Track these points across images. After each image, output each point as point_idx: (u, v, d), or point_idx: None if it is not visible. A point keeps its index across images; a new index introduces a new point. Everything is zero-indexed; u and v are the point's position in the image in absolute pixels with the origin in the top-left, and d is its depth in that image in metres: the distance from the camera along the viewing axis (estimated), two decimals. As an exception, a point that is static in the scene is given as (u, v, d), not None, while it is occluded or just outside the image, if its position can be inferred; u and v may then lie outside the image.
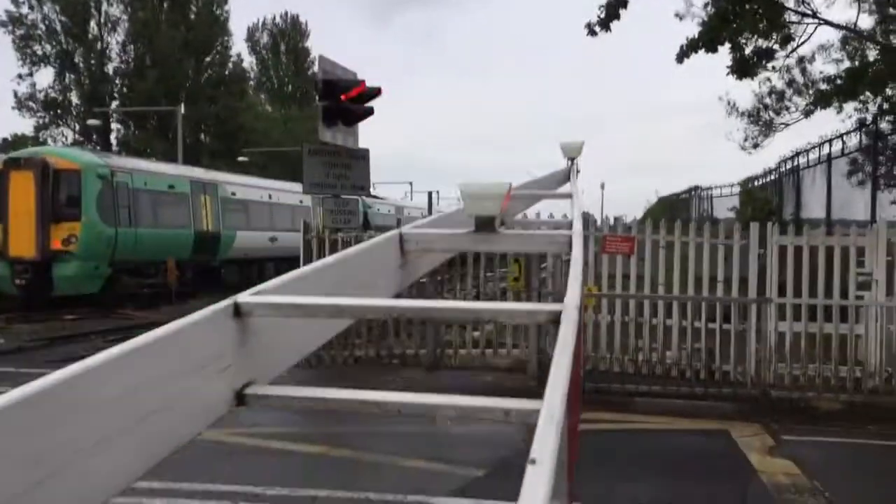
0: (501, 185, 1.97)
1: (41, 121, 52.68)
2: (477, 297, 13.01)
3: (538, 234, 2.15)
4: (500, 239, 2.04)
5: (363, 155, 12.76)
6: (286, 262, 29.27)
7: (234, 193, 27.76)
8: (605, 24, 15.85)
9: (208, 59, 56.40)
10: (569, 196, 3.35)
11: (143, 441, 1.12)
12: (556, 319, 1.32)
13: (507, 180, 1.96)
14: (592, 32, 15.98)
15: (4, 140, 53.34)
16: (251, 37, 67.89)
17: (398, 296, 2.04)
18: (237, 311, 1.37)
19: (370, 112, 12.45)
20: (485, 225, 1.99)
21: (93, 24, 52.43)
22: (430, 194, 25.46)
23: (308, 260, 12.43)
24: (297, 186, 18.89)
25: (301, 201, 29.73)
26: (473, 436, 8.49)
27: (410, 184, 74.56)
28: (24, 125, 54.44)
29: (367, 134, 73.07)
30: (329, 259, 1.75)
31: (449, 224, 2.23)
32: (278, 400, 1.36)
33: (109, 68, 53.40)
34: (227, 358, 1.32)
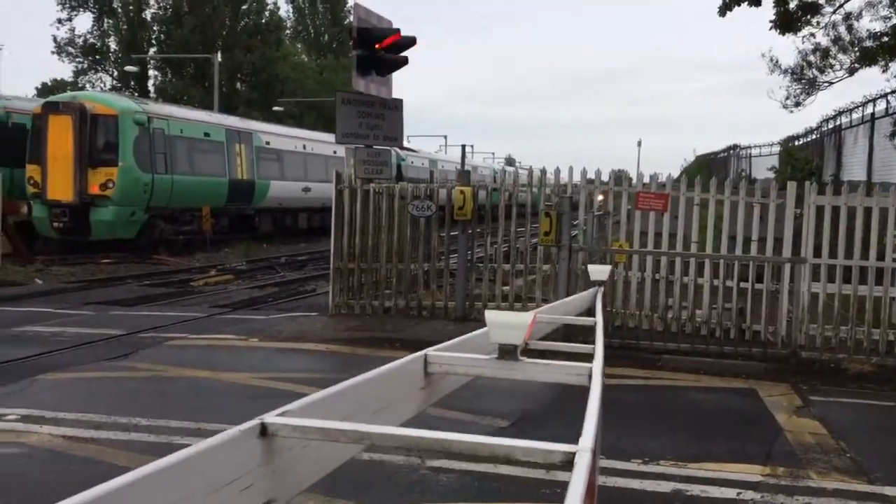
0: (525, 315, 2.11)
1: (80, 66, 53.07)
2: (508, 253, 12.99)
3: (559, 364, 2.21)
4: (521, 367, 2.12)
5: (396, 105, 12.69)
6: (319, 213, 29.47)
7: (268, 143, 27.86)
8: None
9: (245, 6, 56.20)
10: (593, 323, 3.45)
11: None
12: (569, 461, 1.30)
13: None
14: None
15: (44, 84, 53.84)
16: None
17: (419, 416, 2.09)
18: (263, 431, 1.40)
19: (404, 61, 12.34)
20: (507, 353, 2.10)
21: (131, -31, 52.39)
22: (462, 148, 25.34)
23: (339, 210, 12.47)
24: (331, 137, 18.86)
25: (335, 151, 29.74)
26: (498, 387, 8.55)
27: (445, 137, 74.41)
28: (64, 70, 55.00)
29: (403, 86, 72.40)
30: (354, 380, 1.81)
31: (473, 347, 2.33)
32: None
33: (147, 14, 53.47)
34: (249, 477, 1.35)
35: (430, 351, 2.20)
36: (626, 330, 10.92)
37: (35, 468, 5.72)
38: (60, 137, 20.69)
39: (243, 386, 8.20)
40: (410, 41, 12.19)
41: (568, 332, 9.63)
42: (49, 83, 53.81)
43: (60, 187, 20.74)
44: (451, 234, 12.71)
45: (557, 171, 12.35)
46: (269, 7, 58.83)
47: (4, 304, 13.49)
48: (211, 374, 8.68)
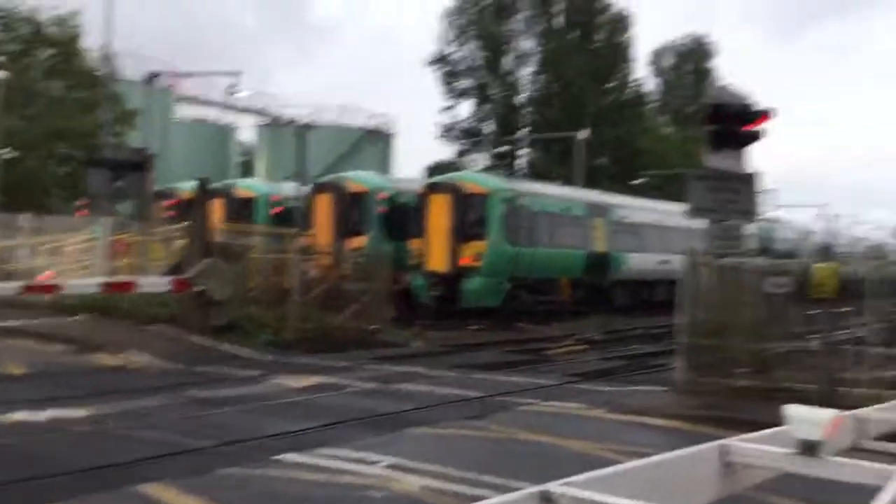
0: (829, 411, 2.05)
1: (461, 148, 58.63)
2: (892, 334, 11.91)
3: (873, 467, 2.02)
4: (822, 465, 2.02)
5: (750, 179, 12.41)
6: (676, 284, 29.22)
7: (625, 216, 28.38)
8: None
9: (611, 84, 58.12)
10: None
11: None
12: None
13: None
14: None
15: (429, 166, 60.19)
16: (656, 60, 68.61)
17: None
18: (546, 498, 1.57)
19: (759, 135, 12.09)
20: (808, 449, 2.01)
21: (507, 58, 57.30)
22: (831, 219, 23.60)
23: (688, 285, 12.37)
24: (688, 210, 18.80)
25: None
26: None
27: (821, 206, 69.17)
28: (447, 152, 61.16)
29: (771, 154, 69.06)
30: (646, 460, 1.89)
31: (779, 441, 2.24)
32: None
33: (522, 98, 57.72)
34: None
35: (729, 441, 2.23)
36: None
37: (397, 512, 6.52)
38: (439, 214, 23.11)
39: (585, 455, 8.51)
40: (766, 115, 11.93)
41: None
42: (434, 165, 60.01)
43: (438, 259, 23.07)
44: (813, 312, 11.98)
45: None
46: (634, 83, 60.26)
47: (387, 362, 15.26)
48: (556, 440, 9.12)
